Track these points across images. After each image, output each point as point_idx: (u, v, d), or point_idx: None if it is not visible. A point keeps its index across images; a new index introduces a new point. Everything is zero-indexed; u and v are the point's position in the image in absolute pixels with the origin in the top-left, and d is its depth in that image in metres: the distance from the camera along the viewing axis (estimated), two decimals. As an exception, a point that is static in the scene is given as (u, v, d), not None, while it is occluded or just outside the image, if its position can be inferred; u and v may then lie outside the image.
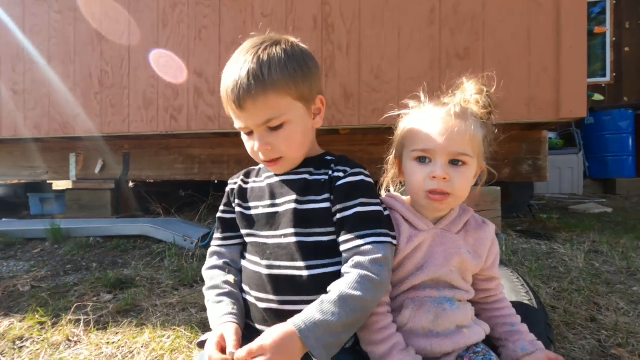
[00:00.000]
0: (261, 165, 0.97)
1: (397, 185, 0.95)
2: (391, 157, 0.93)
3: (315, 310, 0.70)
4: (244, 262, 0.91)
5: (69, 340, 1.28)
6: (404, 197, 0.90)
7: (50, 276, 1.92)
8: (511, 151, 2.54)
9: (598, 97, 4.98)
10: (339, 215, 0.81)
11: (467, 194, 0.83)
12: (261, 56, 0.79)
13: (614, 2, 6.08)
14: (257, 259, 0.86)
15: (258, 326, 0.83)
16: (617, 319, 1.29)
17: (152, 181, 4.00)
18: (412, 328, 0.78)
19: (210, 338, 0.76)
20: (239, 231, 0.93)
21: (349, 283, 0.72)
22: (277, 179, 0.90)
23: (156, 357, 1.17)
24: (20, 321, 1.40)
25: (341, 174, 0.83)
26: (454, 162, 0.79)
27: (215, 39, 2.54)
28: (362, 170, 0.85)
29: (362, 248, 0.75)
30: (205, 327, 1.33)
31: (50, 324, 1.38)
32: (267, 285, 0.82)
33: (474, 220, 0.87)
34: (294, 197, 0.84)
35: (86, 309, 1.48)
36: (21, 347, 1.25)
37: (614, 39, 6.09)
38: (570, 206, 3.70)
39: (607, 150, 5.08)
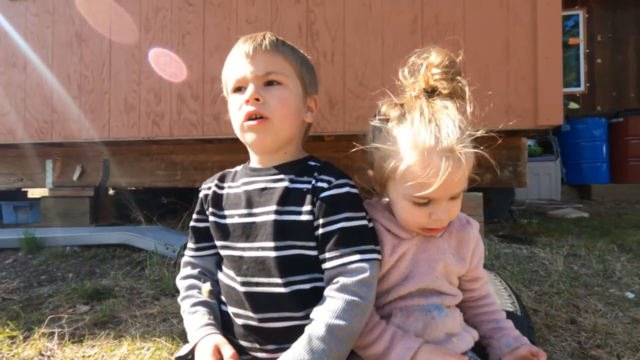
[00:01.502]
0: (238, 168, 0.93)
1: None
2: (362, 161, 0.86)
3: (304, 350, 0.66)
4: (220, 275, 0.86)
5: (42, 355, 1.22)
6: (382, 200, 0.86)
7: (22, 287, 1.83)
8: (492, 158, 2.59)
9: (573, 105, 5.19)
10: (321, 230, 0.76)
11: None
12: (277, 37, 0.87)
13: (586, 16, 6.37)
14: (232, 274, 0.82)
15: (240, 341, 0.79)
16: (596, 321, 1.32)
17: (133, 188, 3.91)
18: None
19: (204, 350, 0.73)
20: (214, 241, 0.88)
21: (335, 311, 0.68)
22: (255, 186, 0.84)
23: (135, 370, 1.12)
24: (-11, 336, 1.33)
25: (325, 185, 0.79)
26: (452, 197, 0.75)
27: (199, 44, 2.52)
28: (348, 181, 0.81)
29: (348, 267, 0.72)
30: (187, 338, 1.29)
31: (21, 337, 1.31)
32: (244, 302, 0.78)
33: (458, 221, 0.84)
34: (273, 207, 0.79)
35: (61, 322, 1.41)
36: (-11, 363, 1.18)
37: (587, 51, 6.36)
38: (549, 211, 3.81)
39: (583, 157, 5.27)
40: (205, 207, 0.90)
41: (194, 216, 0.93)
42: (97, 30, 2.65)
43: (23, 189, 3.79)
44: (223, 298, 0.85)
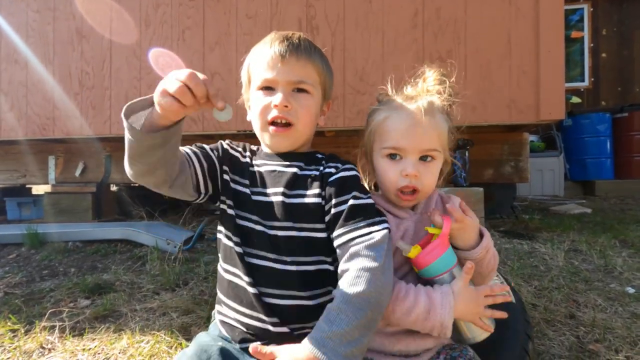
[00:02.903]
0: (254, 148, 0.95)
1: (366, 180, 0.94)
2: (359, 151, 0.94)
3: (322, 322, 0.67)
4: (223, 239, 0.85)
5: (43, 348, 1.23)
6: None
7: (25, 282, 1.85)
8: (493, 153, 2.58)
9: (576, 99, 5.14)
10: (333, 210, 0.79)
11: (433, 187, 0.86)
12: (307, 38, 0.90)
13: (591, 9, 6.29)
14: (238, 240, 0.81)
15: (245, 309, 0.80)
16: (595, 316, 1.31)
17: (135, 184, 3.92)
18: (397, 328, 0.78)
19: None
20: (206, 162, 0.85)
21: (348, 281, 0.69)
22: (266, 168, 0.88)
23: (134, 363, 1.14)
24: (-9, 329, 1.35)
25: (333, 170, 0.84)
26: (423, 158, 0.82)
27: (199, 40, 2.51)
28: (353, 167, 0.87)
29: (358, 239, 0.74)
30: (186, 331, 1.30)
31: (23, 331, 1.33)
32: (251, 273, 0.79)
33: (440, 199, 0.91)
34: (280, 189, 0.83)
35: (62, 315, 1.43)
36: (-9, 356, 1.20)
37: (592, 45, 6.29)
38: (552, 207, 3.79)
39: (587, 152, 5.22)
40: (226, 155, 0.89)
41: (210, 145, 0.91)
42: (98, 26, 2.65)
43: (26, 186, 3.82)
44: (227, 265, 0.83)
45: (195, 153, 0.86)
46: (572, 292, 1.53)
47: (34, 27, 2.77)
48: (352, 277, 0.69)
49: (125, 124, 0.69)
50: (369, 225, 0.76)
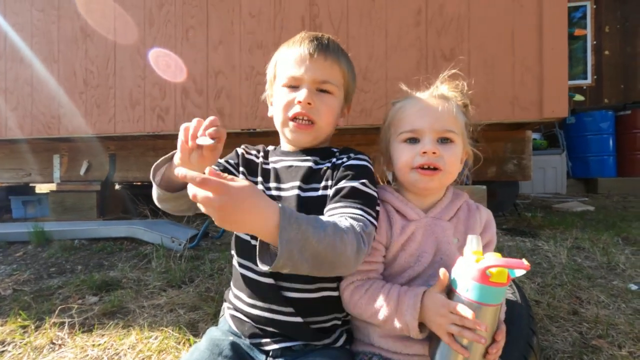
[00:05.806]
0: (270, 148, 0.97)
1: (386, 179, 0.95)
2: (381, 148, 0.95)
3: (305, 216, 0.65)
4: (238, 233, 0.87)
5: (53, 344, 1.25)
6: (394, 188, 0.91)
7: (33, 279, 1.87)
8: (496, 150, 2.58)
9: (579, 97, 5.13)
10: (335, 187, 0.80)
11: (456, 173, 0.83)
12: (336, 41, 0.93)
13: (594, 6, 6.26)
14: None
15: (248, 298, 0.82)
16: (598, 312, 1.32)
17: (139, 183, 3.94)
18: None
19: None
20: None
21: (339, 220, 0.70)
22: (282, 164, 0.89)
23: (143, 358, 1.15)
24: (2, 325, 1.37)
25: (345, 159, 0.86)
26: (442, 141, 0.81)
27: (203, 38, 2.52)
28: (366, 157, 0.88)
29: (355, 215, 0.73)
30: (193, 327, 1.32)
31: (33, 327, 1.35)
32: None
33: (467, 206, 0.87)
34: (297, 183, 0.84)
35: (71, 312, 1.45)
36: (2, 352, 1.22)
37: (595, 42, 6.26)
38: (554, 205, 3.79)
39: (589, 150, 5.21)
40: (239, 162, 0.92)
41: (227, 156, 0.93)
42: (102, 25, 2.66)
43: (31, 184, 3.85)
44: (240, 258, 0.86)
45: None
46: (575, 289, 1.54)
47: (38, 26, 2.78)
48: (350, 227, 0.68)
49: (153, 183, 0.81)
50: (367, 213, 0.75)
